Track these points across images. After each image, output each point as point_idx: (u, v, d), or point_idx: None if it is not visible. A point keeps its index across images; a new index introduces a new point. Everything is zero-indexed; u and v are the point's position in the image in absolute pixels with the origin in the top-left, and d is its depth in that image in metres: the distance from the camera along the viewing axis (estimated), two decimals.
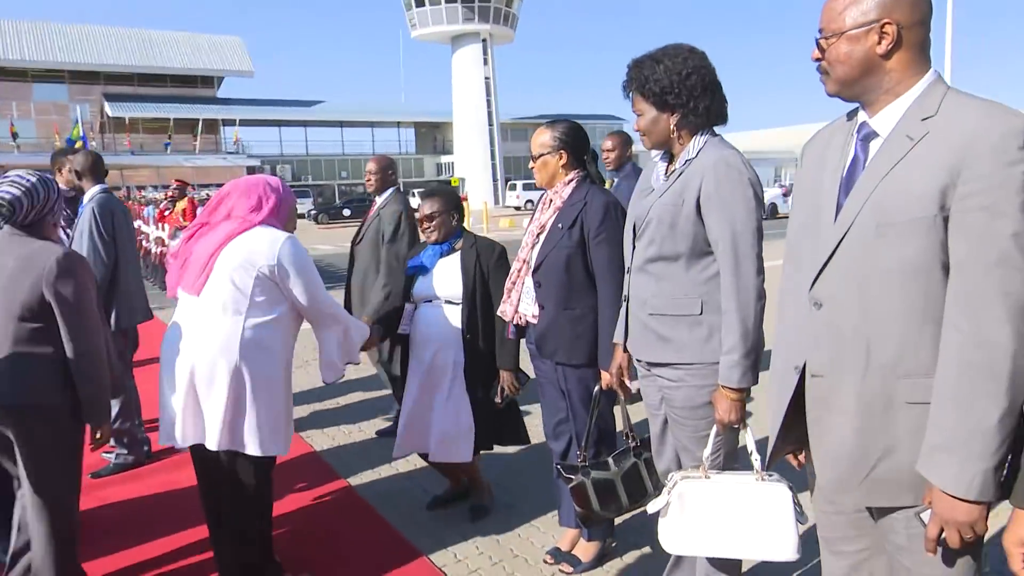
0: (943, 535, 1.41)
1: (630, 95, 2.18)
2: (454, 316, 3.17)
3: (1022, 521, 1.32)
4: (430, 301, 3.22)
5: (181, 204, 10.73)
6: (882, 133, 1.48)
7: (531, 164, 2.76)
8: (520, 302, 2.73)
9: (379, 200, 4.45)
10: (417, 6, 43.71)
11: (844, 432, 1.52)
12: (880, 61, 1.44)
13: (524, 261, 2.72)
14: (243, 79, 50.43)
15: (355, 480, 3.91)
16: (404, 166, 49.84)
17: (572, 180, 2.70)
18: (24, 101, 43.06)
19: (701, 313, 2.09)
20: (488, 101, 43.89)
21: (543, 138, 2.71)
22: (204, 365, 2.44)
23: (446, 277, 3.19)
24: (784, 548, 1.85)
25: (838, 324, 1.50)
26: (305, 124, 50.30)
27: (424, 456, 3.37)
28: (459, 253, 3.22)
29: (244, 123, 45.92)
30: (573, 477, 2.46)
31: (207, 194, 17.54)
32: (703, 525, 1.88)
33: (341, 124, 51.04)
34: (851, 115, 1.61)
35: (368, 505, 3.59)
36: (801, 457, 1.77)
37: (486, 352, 3.12)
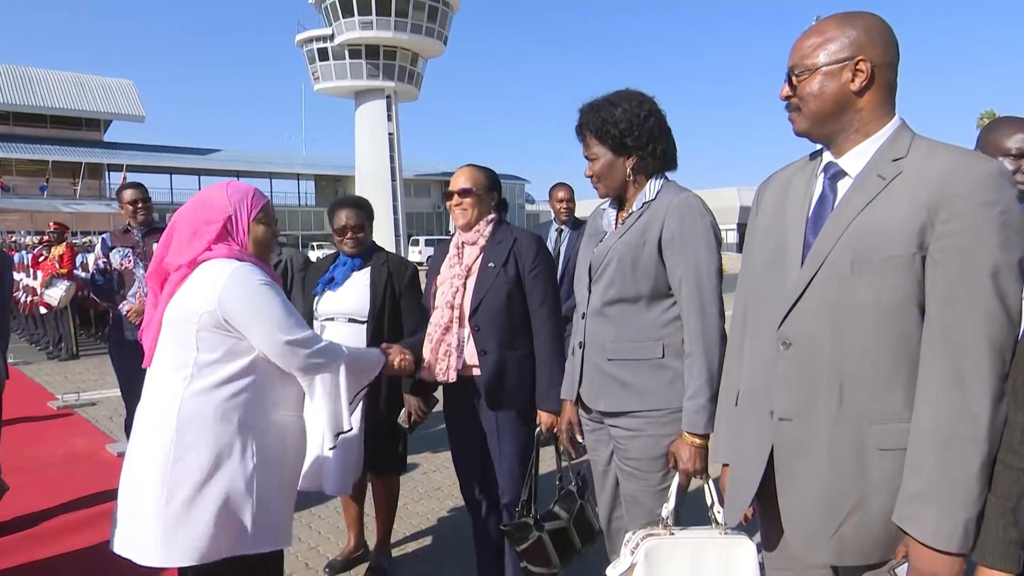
0: None
1: (583, 139, 2.12)
2: (358, 335, 2.98)
3: None
4: (332, 319, 3.03)
5: (58, 250, 9.88)
6: (851, 172, 1.47)
7: (455, 200, 2.57)
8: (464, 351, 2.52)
9: None
10: (321, 60, 43.57)
11: (814, 481, 1.46)
12: (853, 98, 1.44)
13: (456, 307, 2.51)
14: (133, 124, 48.17)
15: None
16: (304, 219, 48.76)
17: (493, 220, 2.62)
18: None
19: (663, 357, 2.01)
20: (391, 156, 43.86)
21: (476, 175, 2.59)
22: (139, 451, 1.93)
23: (353, 293, 3.04)
24: None
25: (808, 364, 1.45)
26: (199, 172, 48.40)
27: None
28: (369, 269, 3.08)
29: (132, 169, 43.61)
30: (528, 535, 2.28)
31: (89, 240, 16.37)
32: None
33: (238, 174, 49.35)
34: (813, 156, 1.60)
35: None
36: (749, 511, 1.69)
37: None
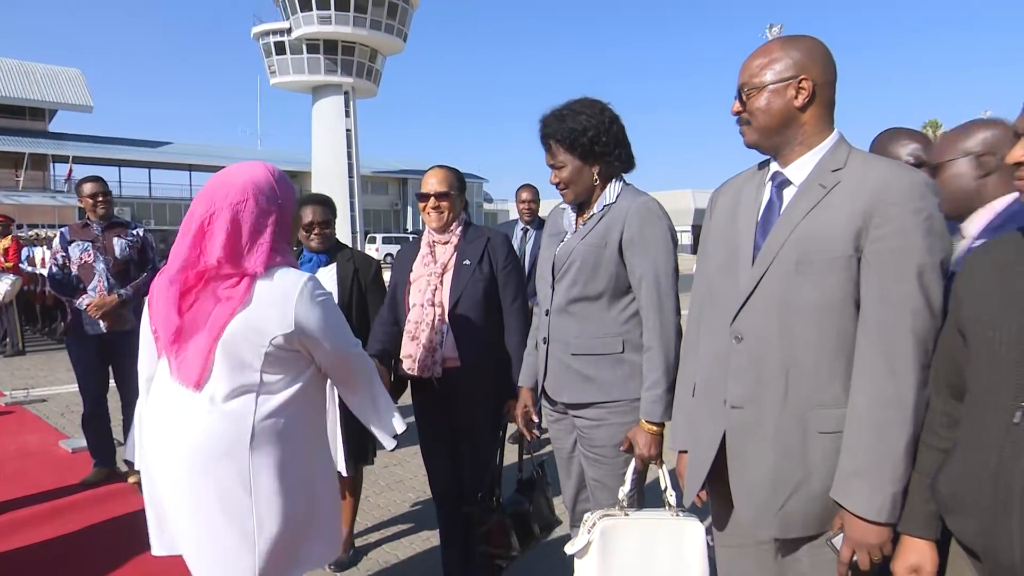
0: (854, 558, 1.49)
1: (548, 148, 2.17)
2: None
3: (909, 546, 1.42)
4: None
5: (3, 243, 9.61)
6: (795, 181, 1.61)
7: (432, 202, 2.62)
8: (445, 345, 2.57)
9: None
10: (278, 54, 42.92)
11: (762, 462, 1.59)
12: (797, 114, 1.58)
13: (437, 304, 2.58)
14: (80, 114, 46.59)
15: None
16: None
17: (463, 220, 2.72)
18: None
19: (623, 352, 2.12)
20: (349, 153, 43.42)
21: (450, 178, 2.65)
22: (196, 489, 1.73)
23: None
24: None
25: (759, 356, 1.58)
26: (150, 165, 47.16)
27: None
28: (335, 265, 3.15)
29: (79, 160, 42.29)
30: (490, 518, 2.38)
31: (35, 233, 15.84)
32: (624, 563, 1.88)
33: (190, 168, 48.36)
34: (762, 166, 1.74)
35: None
36: (703, 494, 1.83)
37: None
